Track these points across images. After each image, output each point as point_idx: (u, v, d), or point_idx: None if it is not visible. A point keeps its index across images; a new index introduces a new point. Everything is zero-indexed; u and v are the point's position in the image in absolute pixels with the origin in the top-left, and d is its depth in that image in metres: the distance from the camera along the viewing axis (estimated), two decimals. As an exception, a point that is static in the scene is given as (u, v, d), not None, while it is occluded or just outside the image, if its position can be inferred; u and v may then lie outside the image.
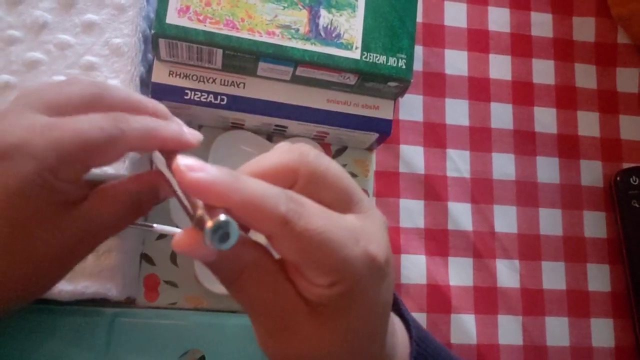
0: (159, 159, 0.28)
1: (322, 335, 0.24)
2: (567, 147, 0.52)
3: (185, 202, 0.23)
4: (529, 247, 0.49)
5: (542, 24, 0.54)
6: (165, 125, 0.28)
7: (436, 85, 0.51)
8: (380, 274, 0.24)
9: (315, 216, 0.23)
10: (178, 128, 0.29)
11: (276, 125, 0.43)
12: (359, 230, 0.24)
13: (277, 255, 0.25)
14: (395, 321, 0.31)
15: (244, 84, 0.41)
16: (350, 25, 0.39)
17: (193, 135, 0.29)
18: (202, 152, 0.44)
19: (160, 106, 0.31)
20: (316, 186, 0.24)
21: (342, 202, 0.24)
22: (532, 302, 0.48)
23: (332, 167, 0.25)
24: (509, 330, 0.47)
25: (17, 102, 0.28)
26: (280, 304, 0.24)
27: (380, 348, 0.27)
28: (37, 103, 0.27)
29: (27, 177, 0.25)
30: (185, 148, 0.28)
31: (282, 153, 0.25)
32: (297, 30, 0.38)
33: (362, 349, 0.25)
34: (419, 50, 0.51)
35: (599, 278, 0.50)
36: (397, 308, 0.32)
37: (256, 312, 0.25)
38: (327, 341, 0.24)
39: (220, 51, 0.38)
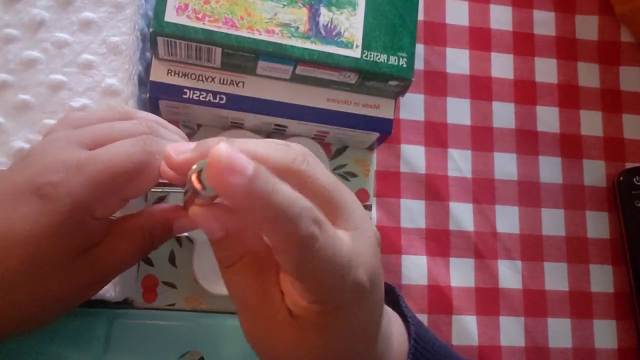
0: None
1: (300, 345, 0.24)
2: (570, 146, 0.51)
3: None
4: (531, 248, 0.49)
5: (544, 22, 0.54)
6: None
7: (437, 84, 0.51)
8: (363, 296, 0.24)
9: (330, 242, 0.22)
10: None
11: (276, 125, 0.43)
12: (352, 253, 0.23)
13: None
14: (393, 319, 0.31)
15: (243, 82, 0.41)
16: (351, 24, 0.39)
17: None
18: (201, 151, 0.44)
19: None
20: (302, 192, 0.22)
21: (327, 214, 0.23)
22: (534, 303, 0.48)
23: (322, 177, 0.24)
24: (511, 331, 0.47)
25: (63, 135, 0.27)
26: (265, 305, 0.24)
27: (371, 344, 0.27)
28: (83, 137, 0.27)
29: (63, 217, 0.24)
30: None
31: (279, 148, 0.23)
32: (297, 28, 0.38)
33: (345, 352, 0.25)
34: (420, 48, 0.50)
35: (601, 279, 0.49)
36: (398, 306, 0.32)
37: (241, 305, 0.25)
38: (303, 353, 0.24)
39: (219, 50, 0.37)
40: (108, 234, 0.27)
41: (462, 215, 0.48)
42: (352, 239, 0.24)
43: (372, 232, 0.26)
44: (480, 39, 0.52)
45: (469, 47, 0.52)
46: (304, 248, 0.21)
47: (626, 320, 0.49)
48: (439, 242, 0.48)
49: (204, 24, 0.36)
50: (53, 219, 0.24)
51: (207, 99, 0.40)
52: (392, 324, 0.30)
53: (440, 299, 0.46)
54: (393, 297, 0.33)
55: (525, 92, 0.52)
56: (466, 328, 0.46)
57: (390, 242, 0.46)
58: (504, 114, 0.51)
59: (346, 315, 0.24)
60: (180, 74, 0.40)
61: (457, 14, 0.52)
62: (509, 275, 0.48)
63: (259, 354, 0.26)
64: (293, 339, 0.24)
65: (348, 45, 0.38)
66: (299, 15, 0.38)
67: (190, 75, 0.40)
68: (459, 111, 0.50)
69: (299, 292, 0.24)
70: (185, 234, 0.41)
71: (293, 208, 0.20)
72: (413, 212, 0.48)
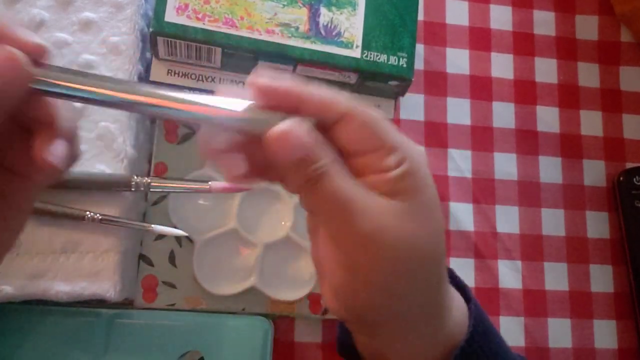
0: None
1: (412, 222, 0.25)
2: (570, 146, 0.51)
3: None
4: (531, 248, 0.49)
5: (544, 22, 0.53)
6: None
7: (437, 84, 0.51)
8: (427, 167, 0.26)
9: (373, 111, 0.25)
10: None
11: (276, 125, 0.43)
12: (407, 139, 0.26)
13: None
14: (453, 290, 0.30)
15: (243, 83, 0.41)
16: (351, 24, 0.39)
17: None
18: (201, 151, 0.44)
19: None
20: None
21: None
22: (534, 303, 0.48)
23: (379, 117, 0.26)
24: (511, 331, 0.47)
25: None
26: (366, 195, 0.25)
27: (444, 251, 0.27)
28: None
29: None
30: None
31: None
32: (297, 28, 0.38)
33: (439, 233, 0.26)
34: (420, 48, 0.50)
35: (601, 279, 0.49)
36: (455, 280, 0.32)
37: (335, 216, 0.25)
38: (411, 227, 0.25)
39: (219, 50, 0.37)
40: None
41: (462, 215, 0.48)
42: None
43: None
44: (480, 39, 0.52)
45: (469, 47, 0.52)
46: (352, 113, 0.25)
47: (626, 320, 0.49)
48: (439, 242, 0.48)
49: (204, 24, 0.36)
50: None
51: (207, 99, 0.40)
52: (452, 289, 0.30)
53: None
54: (451, 276, 0.33)
55: (525, 92, 0.52)
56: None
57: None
58: (504, 114, 0.51)
59: (425, 174, 0.26)
60: (180, 74, 0.40)
61: (457, 14, 0.52)
62: (509, 275, 0.48)
63: (358, 266, 0.25)
64: (403, 219, 0.25)
65: (348, 45, 0.38)
66: (299, 15, 0.38)
67: (190, 75, 0.40)
68: (459, 111, 0.50)
69: (382, 162, 0.25)
70: (185, 233, 0.41)
71: (332, 92, 0.25)
72: (413, 212, 0.48)
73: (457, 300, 0.30)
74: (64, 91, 0.23)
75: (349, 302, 0.26)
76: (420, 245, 0.25)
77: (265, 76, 0.24)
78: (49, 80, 0.22)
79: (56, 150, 0.24)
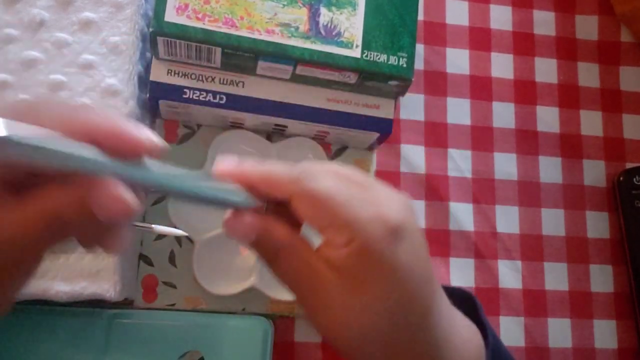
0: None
1: (354, 305, 0.25)
2: (570, 146, 0.51)
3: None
4: (531, 248, 0.49)
5: (544, 22, 0.53)
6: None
7: (437, 84, 0.51)
8: (394, 236, 0.25)
9: (326, 179, 0.25)
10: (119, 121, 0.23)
11: (276, 125, 0.43)
12: (373, 197, 0.26)
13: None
14: (463, 320, 0.31)
15: (243, 82, 0.41)
16: (351, 24, 0.39)
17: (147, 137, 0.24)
18: (201, 151, 0.44)
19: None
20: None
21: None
22: (534, 303, 0.48)
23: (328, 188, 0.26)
24: (511, 331, 0.47)
25: None
26: (314, 277, 0.25)
27: (422, 317, 0.27)
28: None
29: None
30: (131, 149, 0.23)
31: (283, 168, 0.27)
32: (297, 28, 0.38)
33: (395, 316, 0.25)
34: (420, 48, 0.50)
35: (601, 279, 0.49)
36: (476, 313, 0.32)
37: (297, 288, 0.26)
38: (359, 310, 0.25)
39: (219, 50, 0.37)
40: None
41: (462, 215, 0.48)
42: (378, 192, 0.27)
43: (400, 194, 0.27)
44: (480, 39, 0.52)
45: (469, 47, 0.52)
46: (302, 183, 0.25)
47: (626, 320, 0.49)
48: (439, 242, 0.48)
49: (204, 23, 0.36)
50: None
51: (207, 99, 0.40)
52: (460, 322, 0.30)
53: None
54: (471, 305, 0.33)
55: (525, 92, 0.52)
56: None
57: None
58: (504, 114, 0.51)
59: (380, 253, 0.25)
60: (180, 74, 0.40)
61: (457, 14, 0.52)
62: (509, 275, 0.48)
63: (327, 335, 0.27)
64: (348, 301, 0.25)
65: (348, 45, 0.38)
66: (299, 15, 0.38)
67: (190, 75, 0.40)
68: (459, 111, 0.50)
69: (331, 238, 0.25)
70: (185, 233, 0.41)
71: (283, 167, 0.26)
72: (413, 212, 0.48)
73: (464, 327, 0.30)
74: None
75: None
76: (379, 327, 0.25)
77: (226, 162, 0.26)
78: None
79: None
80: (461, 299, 0.33)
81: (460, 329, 0.30)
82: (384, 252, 0.25)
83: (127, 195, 0.22)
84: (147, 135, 0.23)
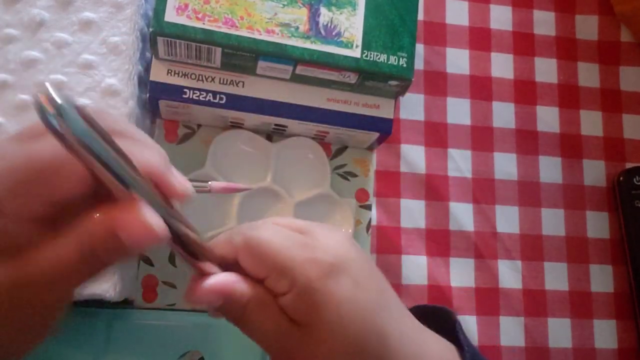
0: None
1: (316, 351, 0.26)
2: (570, 146, 0.51)
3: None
4: (531, 248, 0.49)
5: (544, 22, 0.53)
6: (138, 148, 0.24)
7: (437, 84, 0.51)
8: (331, 273, 0.26)
9: (265, 229, 0.27)
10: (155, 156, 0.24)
11: (276, 125, 0.43)
12: (311, 240, 0.27)
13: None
14: (433, 338, 0.31)
15: (243, 82, 0.41)
16: (351, 24, 0.39)
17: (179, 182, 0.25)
18: (201, 151, 0.44)
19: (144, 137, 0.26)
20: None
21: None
22: (534, 303, 0.48)
23: (263, 239, 0.27)
24: (511, 331, 0.47)
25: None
26: (279, 332, 0.26)
27: (380, 345, 0.27)
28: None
29: None
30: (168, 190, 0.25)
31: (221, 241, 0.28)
32: (297, 28, 0.38)
33: (352, 348, 0.26)
34: (420, 48, 0.50)
35: (601, 279, 0.49)
36: (453, 332, 0.32)
37: (265, 344, 0.27)
38: (322, 355, 0.26)
39: (219, 49, 0.37)
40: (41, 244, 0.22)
41: (462, 215, 0.48)
42: (313, 236, 0.28)
43: (340, 234, 0.29)
44: (480, 38, 0.52)
45: (469, 47, 0.52)
46: (239, 237, 0.27)
47: (626, 320, 0.49)
48: (439, 242, 0.48)
49: (203, 23, 0.36)
50: None
51: (207, 99, 0.40)
52: (432, 343, 0.30)
53: (440, 298, 0.46)
54: (448, 323, 0.33)
55: (525, 92, 0.52)
56: (466, 328, 0.46)
57: (390, 242, 0.46)
58: (504, 114, 0.51)
59: (322, 293, 0.26)
60: (180, 74, 0.40)
61: (457, 14, 0.52)
62: (509, 275, 0.48)
63: None
64: (308, 349, 0.26)
65: (348, 45, 0.38)
66: (299, 15, 0.38)
67: (190, 75, 0.40)
68: (459, 111, 0.50)
69: (275, 288, 0.26)
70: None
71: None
72: (413, 212, 0.48)
73: (436, 344, 0.30)
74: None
75: None
76: None
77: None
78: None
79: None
80: (439, 317, 0.33)
81: (432, 348, 0.30)
82: (323, 289, 0.26)
83: (154, 220, 0.22)
84: (184, 184, 0.25)
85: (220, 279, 0.26)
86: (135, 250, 0.23)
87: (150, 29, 0.36)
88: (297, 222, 0.29)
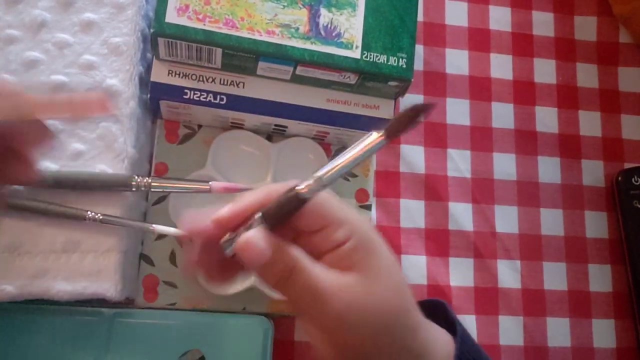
0: None
1: (369, 292, 0.27)
2: (569, 146, 0.52)
3: None
4: (530, 248, 0.49)
5: (543, 23, 0.54)
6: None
7: (437, 84, 0.51)
8: (374, 231, 0.28)
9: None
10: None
11: (276, 125, 0.43)
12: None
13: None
14: (438, 329, 0.32)
15: (244, 83, 0.41)
16: (351, 25, 0.39)
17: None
18: (201, 151, 0.44)
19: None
20: None
21: None
22: (533, 303, 0.48)
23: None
24: (510, 330, 0.47)
25: None
26: (331, 278, 0.27)
27: (412, 302, 0.29)
28: None
29: None
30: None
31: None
32: (297, 29, 0.38)
33: (399, 289, 0.28)
34: (419, 49, 0.50)
35: (600, 278, 0.49)
36: (443, 309, 0.34)
37: (315, 297, 0.27)
38: (375, 297, 0.27)
39: (219, 50, 0.38)
40: None
41: (462, 215, 0.48)
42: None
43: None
44: (479, 39, 0.52)
45: (468, 47, 0.52)
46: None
47: (625, 319, 0.49)
48: (439, 242, 0.48)
49: (204, 24, 0.37)
50: None
51: (207, 100, 0.40)
52: (435, 331, 0.31)
53: (439, 298, 0.46)
54: (441, 311, 0.34)
55: (524, 92, 0.52)
56: (466, 327, 0.46)
57: (389, 242, 0.46)
58: (503, 115, 0.51)
59: (376, 244, 0.28)
60: (181, 75, 0.40)
61: (456, 14, 0.52)
62: (508, 274, 0.48)
63: (322, 338, 0.28)
64: (361, 291, 0.27)
65: (348, 46, 0.39)
66: (299, 16, 0.38)
67: (191, 75, 0.40)
68: (458, 112, 0.50)
69: (333, 237, 0.27)
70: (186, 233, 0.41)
71: None
72: (413, 212, 0.48)
73: (441, 340, 0.31)
74: None
75: None
76: (385, 309, 0.27)
77: (226, 208, 0.27)
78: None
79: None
80: (432, 308, 0.34)
81: (437, 335, 0.32)
82: (377, 239, 0.28)
83: None
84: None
85: (262, 239, 0.27)
86: None
87: (151, 30, 0.36)
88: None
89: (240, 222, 0.27)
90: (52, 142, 0.29)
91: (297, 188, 0.26)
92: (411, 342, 0.29)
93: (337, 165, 0.26)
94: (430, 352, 0.30)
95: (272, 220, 0.27)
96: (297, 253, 0.27)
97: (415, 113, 0.25)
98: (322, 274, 0.27)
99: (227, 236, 0.28)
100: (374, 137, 0.25)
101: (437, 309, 0.35)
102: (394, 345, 0.28)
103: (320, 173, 0.26)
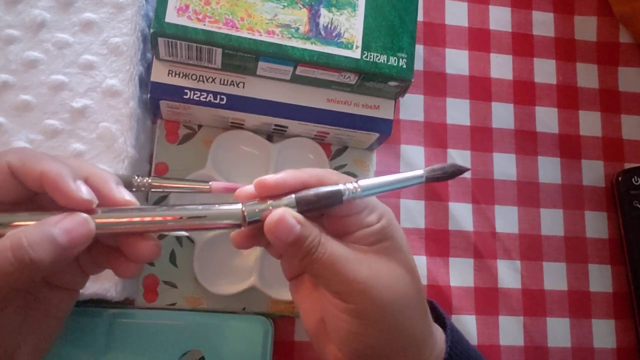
0: None
1: (389, 263, 0.30)
2: (569, 147, 0.52)
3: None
4: (530, 248, 0.49)
5: (543, 23, 0.54)
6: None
7: (437, 84, 0.51)
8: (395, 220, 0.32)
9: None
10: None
11: (276, 125, 0.43)
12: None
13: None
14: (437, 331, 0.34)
15: (244, 83, 0.41)
16: (351, 25, 0.39)
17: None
18: (201, 151, 0.44)
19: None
20: None
21: None
22: (533, 303, 0.48)
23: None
24: (510, 331, 0.47)
25: None
26: (353, 249, 0.30)
27: (421, 292, 0.32)
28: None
29: None
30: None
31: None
32: (297, 29, 0.38)
33: (415, 270, 0.31)
34: (419, 49, 0.51)
35: (600, 279, 0.49)
36: (435, 311, 0.35)
37: (303, 310, 0.32)
38: (395, 266, 0.31)
39: (219, 50, 0.37)
40: None
41: (462, 215, 0.48)
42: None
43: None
44: (479, 39, 0.52)
45: (468, 47, 0.52)
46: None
47: (625, 319, 0.49)
48: (439, 242, 0.48)
49: (204, 24, 0.37)
50: None
51: (207, 100, 0.40)
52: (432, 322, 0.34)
53: (439, 298, 0.46)
54: (432, 307, 0.36)
55: (524, 92, 0.52)
56: (465, 327, 0.46)
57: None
58: (503, 115, 0.51)
59: (398, 227, 0.32)
60: (181, 75, 0.40)
61: (456, 14, 0.52)
62: (508, 275, 0.48)
63: (318, 345, 0.32)
64: (381, 264, 0.30)
65: (348, 46, 0.39)
66: (299, 16, 0.38)
67: (191, 75, 0.40)
68: (458, 112, 0.50)
69: (366, 220, 0.31)
70: (186, 233, 0.41)
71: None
72: (413, 212, 0.48)
73: (439, 330, 0.34)
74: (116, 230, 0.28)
75: (354, 347, 0.30)
76: (406, 281, 0.31)
77: (273, 177, 0.29)
78: (104, 229, 0.28)
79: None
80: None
81: (435, 326, 0.34)
82: (398, 227, 0.32)
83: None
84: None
85: (294, 216, 0.29)
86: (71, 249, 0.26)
87: (151, 30, 0.36)
88: None
89: (275, 195, 0.29)
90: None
91: (342, 189, 0.29)
92: (424, 324, 0.32)
93: (380, 183, 0.30)
94: (434, 338, 0.32)
95: (305, 207, 0.29)
96: (320, 228, 0.30)
97: (455, 171, 0.31)
98: (345, 248, 0.30)
99: (253, 202, 0.29)
100: (417, 173, 0.31)
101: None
102: (415, 324, 0.31)
103: (365, 183, 0.30)
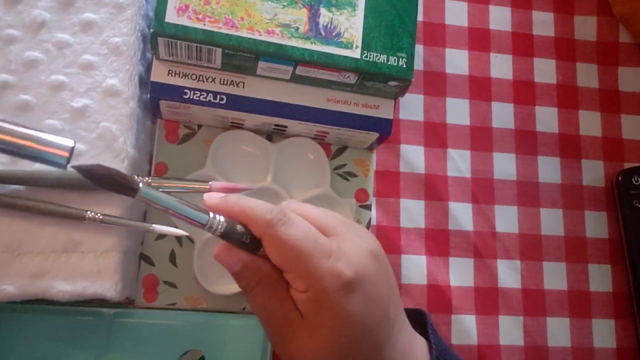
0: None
1: (311, 343, 0.28)
2: (569, 146, 0.52)
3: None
4: (530, 247, 0.49)
5: (543, 22, 0.54)
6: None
7: (437, 84, 0.51)
8: (346, 289, 0.28)
9: (296, 228, 0.28)
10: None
11: (276, 125, 0.43)
12: (334, 248, 0.29)
13: None
14: (419, 343, 0.33)
15: (244, 83, 0.41)
16: (351, 24, 0.39)
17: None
18: (201, 151, 0.44)
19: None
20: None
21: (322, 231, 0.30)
22: (533, 303, 0.48)
23: (303, 212, 0.30)
24: (510, 330, 0.47)
25: None
26: (282, 313, 0.29)
27: (371, 358, 0.30)
28: None
29: None
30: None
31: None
32: (297, 29, 0.38)
33: (343, 358, 0.29)
34: (419, 49, 0.51)
35: (600, 278, 0.49)
36: (423, 328, 0.35)
37: (266, 321, 0.30)
38: (314, 349, 0.28)
39: (219, 50, 0.38)
40: None
41: (462, 215, 0.48)
42: (340, 241, 0.30)
43: (367, 243, 0.30)
44: (479, 39, 0.52)
45: (468, 47, 0.52)
46: (272, 229, 0.28)
47: (625, 319, 0.49)
48: (439, 241, 0.48)
49: (204, 24, 0.37)
50: None
51: (207, 99, 0.40)
52: (419, 347, 0.33)
53: (439, 298, 0.46)
54: (421, 321, 0.36)
55: (524, 92, 0.52)
56: (465, 327, 0.46)
57: (389, 241, 0.47)
58: (503, 114, 0.51)
59: (332, 302, 0.28)
60: (181, 75, 0.40)
61: (456, 14, 0.52)
62: (508, 274, 0.48)
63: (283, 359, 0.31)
64: (306, 340, 0.28)
65: (348, 45, 0.39)
66: (299, 16, 0.38)
67: (191, 75, 0.40)
68: (458, 111, 0.50)
69: (292, 283, 0.29)
70: (186, 233, 0.41)
71: (262, 204, 0.29)
72: (412, 212, 0.48)
73: (419, 349, 0.33)
74: None
75: None
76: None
77: (214, 197, 0.30)
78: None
79: None
80: (416, 318, 0.36)
81: (417, 355, 0.32)
82: (335, 303, 0.28)
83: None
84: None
85: (246, 254, 0.29)
86: None
87: (151, 30, 0.36)
88: (328, 219, 0.31)
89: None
90: None
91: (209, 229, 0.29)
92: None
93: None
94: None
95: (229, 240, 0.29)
96: (264, 275, 0.29)
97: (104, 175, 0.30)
98: (275, 308, 0.29)
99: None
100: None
101: (422, 317, 0.36)
102: None
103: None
